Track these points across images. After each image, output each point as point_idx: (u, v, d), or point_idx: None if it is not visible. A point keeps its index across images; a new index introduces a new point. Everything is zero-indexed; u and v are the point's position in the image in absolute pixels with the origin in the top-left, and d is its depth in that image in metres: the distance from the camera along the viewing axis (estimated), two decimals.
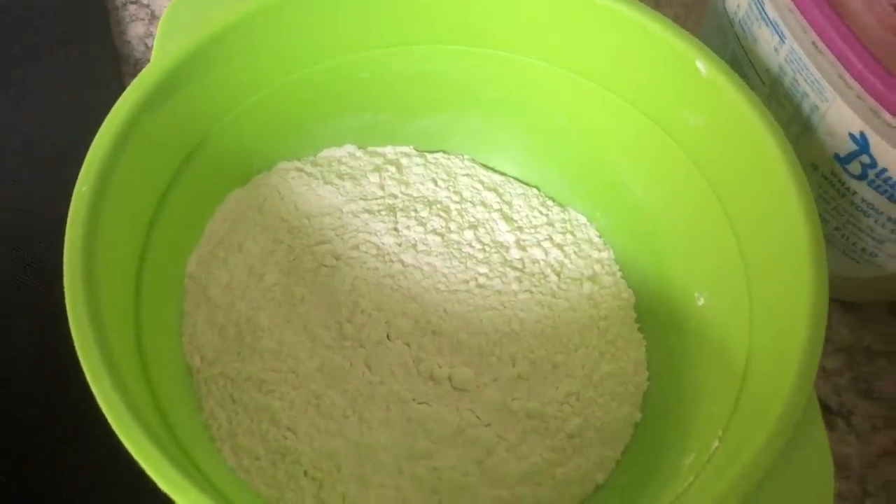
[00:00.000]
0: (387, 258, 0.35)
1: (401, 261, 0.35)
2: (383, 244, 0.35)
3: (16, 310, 0.35)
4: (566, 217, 0.37)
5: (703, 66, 0.31)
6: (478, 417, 0.32)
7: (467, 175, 0.38)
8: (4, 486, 0.32)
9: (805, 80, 0.31)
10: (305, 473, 0.30)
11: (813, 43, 0.29)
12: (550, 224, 0.37)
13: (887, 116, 0.28)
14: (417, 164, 0.38)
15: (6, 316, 0.35)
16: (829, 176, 0.32)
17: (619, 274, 0.36)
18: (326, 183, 0.36)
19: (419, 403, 0.32)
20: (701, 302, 0.33)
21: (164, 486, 0.23)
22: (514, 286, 0.35)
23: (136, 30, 0.45)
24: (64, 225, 0.26)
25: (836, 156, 0.31)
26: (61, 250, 0.26)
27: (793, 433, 0.24)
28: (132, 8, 0.45)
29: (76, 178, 0.28)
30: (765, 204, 0.30)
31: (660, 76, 0.32)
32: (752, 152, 0.30)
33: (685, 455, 0.29)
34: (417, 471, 0.30)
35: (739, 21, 0.34)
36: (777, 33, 0.31)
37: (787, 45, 0.31)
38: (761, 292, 0.29)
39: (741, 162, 0.31)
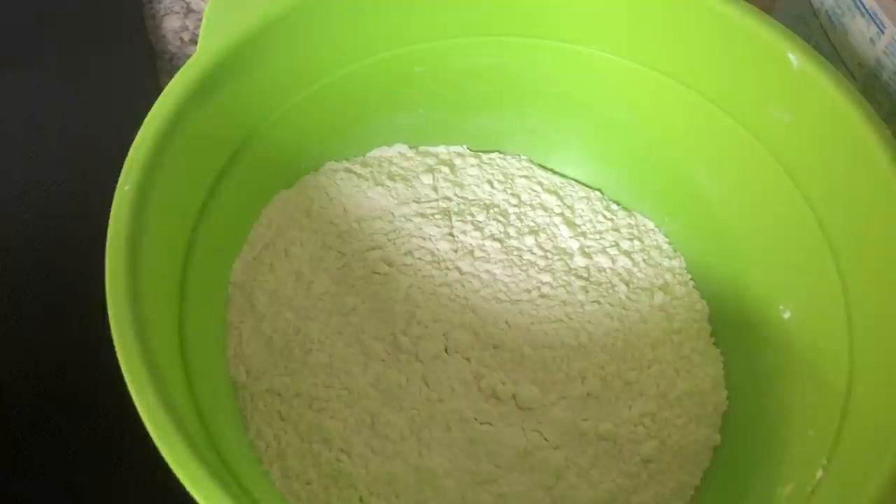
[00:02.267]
0: (443, 265, 0.33)
1: (458, 268, 0.33)
2: (438, 250, 0.33)
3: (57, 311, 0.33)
4: (633, 222, 0.35)
5: (796, 57, 0.28)
6: (545, 439, 0.29)
7: (525, 177, 0.36)
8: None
9: None
10: (361, 500, 0.27)
11: None
12: (616, 229, 0.34)
13: None
14: (472, 165, 0.36)
15: (48, 314, 0.33)
16: None
17: (691, 284, 0.34)
18: (377, 184, 0.34)
19: (482, 423, 0.29)
20: (787, 315, 0.30)
21: None
22: (581, 296, 0.32)
23: (171, 23, 0.42)
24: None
25: None
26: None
27: None
28: (167, 1, 0.43)
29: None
30: (866, 209, 0.27)
31: (742, 68, 0.30)
32: (850, 152, 0.27)
33: (779, 484, 0.26)
34: (482, 498, 0.28)
35: (826, 12, 0.32)
36: (875, 23, 0.29)
37: (886, 36, 0.28)
38: (864, 304, 0.27)
39: (837, 163, 0.28)
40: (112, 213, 0.24)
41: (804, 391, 0.28)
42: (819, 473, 0.25)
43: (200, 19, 0.43)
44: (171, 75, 0.27)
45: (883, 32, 0.28)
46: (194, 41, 0.42)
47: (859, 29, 0.30)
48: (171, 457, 0.21)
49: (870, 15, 0.29)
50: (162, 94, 0.26)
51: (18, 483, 0.30)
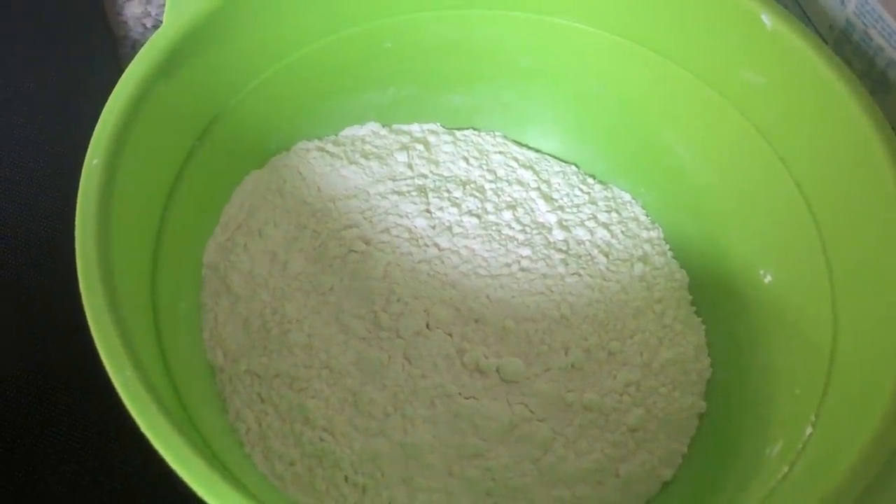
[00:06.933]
0: (421, 242, 0.32)
1: (436, 244, 0.32)
2: (416, 227, 0.32)
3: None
4: (609, 195, 0.35)
5: (769, 18, 0.28)
6: (531, 411, 0.29)
7: (500, 152, 0.35)
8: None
9: (880, 33, 0.28)
10: (346, 479, 0.27)
11: None
12: (593, 202, 0.34)
13: None
14: (446, 142, 0.35)
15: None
16: None
17: (670, 253, 0.33)
18: (351, 163, 0.33)
19: (466, 398, 0.29)
20: (768, 279, 0.30)
21: (203, 493, 0.20)
22: (561, 269, 0.32)
23: (132, 10, 0.41)
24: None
25: None
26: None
27: None
28: None
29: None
30: (842, 164, 0.27)
31: (715, 32, 0.30)
32: (825, 110, 0.27)
33: (769, 444, 0.26)
34: (468, 472, 0.28)
35: None
36: None
37: None
38: (846, 263, 0.27)
39: (813, 124, 0.28)
40: (81, 188, 0.23)
41: (789, 352, 0.28)
42: (808, 430, 0.24)
43: (162, 5, 0.42)
44: None
45: None
46: (157, 27, 0.41)
47: None
48: (151, 432, 0.21)
49: None
50: (128, 67, 0.26)
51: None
